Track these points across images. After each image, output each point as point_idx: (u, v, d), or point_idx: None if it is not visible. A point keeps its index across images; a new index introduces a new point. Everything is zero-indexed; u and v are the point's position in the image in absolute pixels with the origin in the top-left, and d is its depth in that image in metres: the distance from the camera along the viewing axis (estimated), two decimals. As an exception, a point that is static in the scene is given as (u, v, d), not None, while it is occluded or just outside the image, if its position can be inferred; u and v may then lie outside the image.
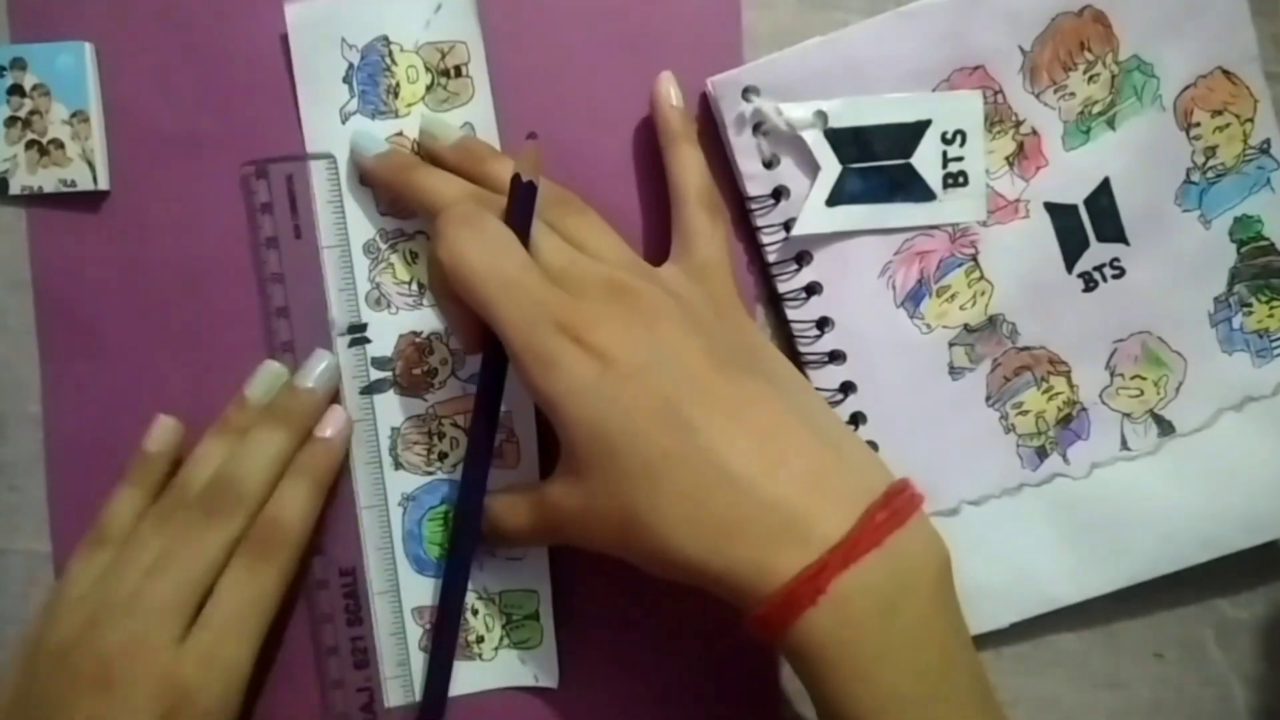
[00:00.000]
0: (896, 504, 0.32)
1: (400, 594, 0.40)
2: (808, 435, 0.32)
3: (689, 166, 0.39)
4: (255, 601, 0.36)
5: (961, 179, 0.40)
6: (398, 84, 0.40)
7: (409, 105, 0.40)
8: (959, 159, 0.40)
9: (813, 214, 0.40)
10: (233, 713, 0.35)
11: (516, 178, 0.35)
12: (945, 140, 0.40)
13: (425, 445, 0.40)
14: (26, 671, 0.36)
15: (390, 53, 0.40)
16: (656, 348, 0.32)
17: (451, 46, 0.40)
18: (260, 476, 0.37)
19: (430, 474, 0.40)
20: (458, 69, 0.40)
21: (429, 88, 0.40)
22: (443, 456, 0.40)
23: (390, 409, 0.40)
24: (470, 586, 0.39)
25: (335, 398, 0.40)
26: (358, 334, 0.40)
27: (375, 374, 0.40)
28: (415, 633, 0.40)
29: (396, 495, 0.40)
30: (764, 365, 0.36)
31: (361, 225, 0.40)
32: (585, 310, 0.33)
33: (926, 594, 0.31)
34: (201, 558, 0.35)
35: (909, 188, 0.40)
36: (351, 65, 0.40)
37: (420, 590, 0.40)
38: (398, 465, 0.40)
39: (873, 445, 0.41)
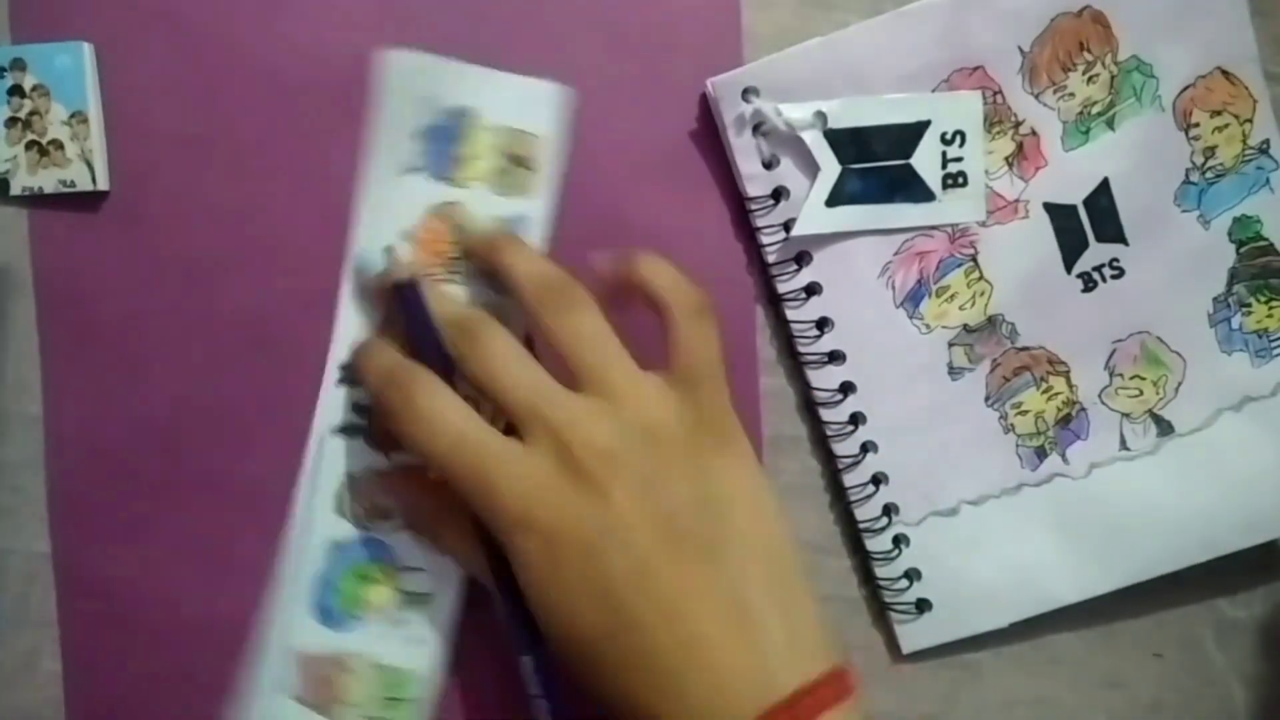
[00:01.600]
0: (847, 677, 0.33)
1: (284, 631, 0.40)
2: (735, 635, 0.33)
3: (658, 273, 0.36)
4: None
5: (961, 179, 0.40)
6: (466, 155, 0.40)
7: (471, 179, 0.40)
8: (958, 159, 0.40)
9: (812, 214, 0.40)
10: None
11: (397, 285, 0.36)
12: (945, 141, 0.40)
13: (371, 501, 0.40)
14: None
15: (471, 124, 0.39)
16: (606, 525, 0.32)
17: (531, 138, 0.40)
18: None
19: (366, 529, 0.40)
20: (528, 160, 0.40)
21: (496, 170, 0.40)
22: (385, 516, 0.40)
23: (354, 455, 0.40)
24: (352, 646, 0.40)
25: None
26: (347, 374, 0.40)
27: (353, 418, 0.40)
28: (286, 676, 0.39)
29: (326, 541, 0.40)
30: (733, 511, 0.34)
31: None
32: (537, 474, 0.33)
33: None
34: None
35: (908, 188, 0.40)
36: (431, 125, 0.39)
37: (314, 637, 0.40)
38: (340, 512, 0.40)
39: (872, 445, 0.41)
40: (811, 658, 0.33)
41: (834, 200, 0.40)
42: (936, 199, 0.40)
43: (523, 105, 0.40)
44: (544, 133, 0.40)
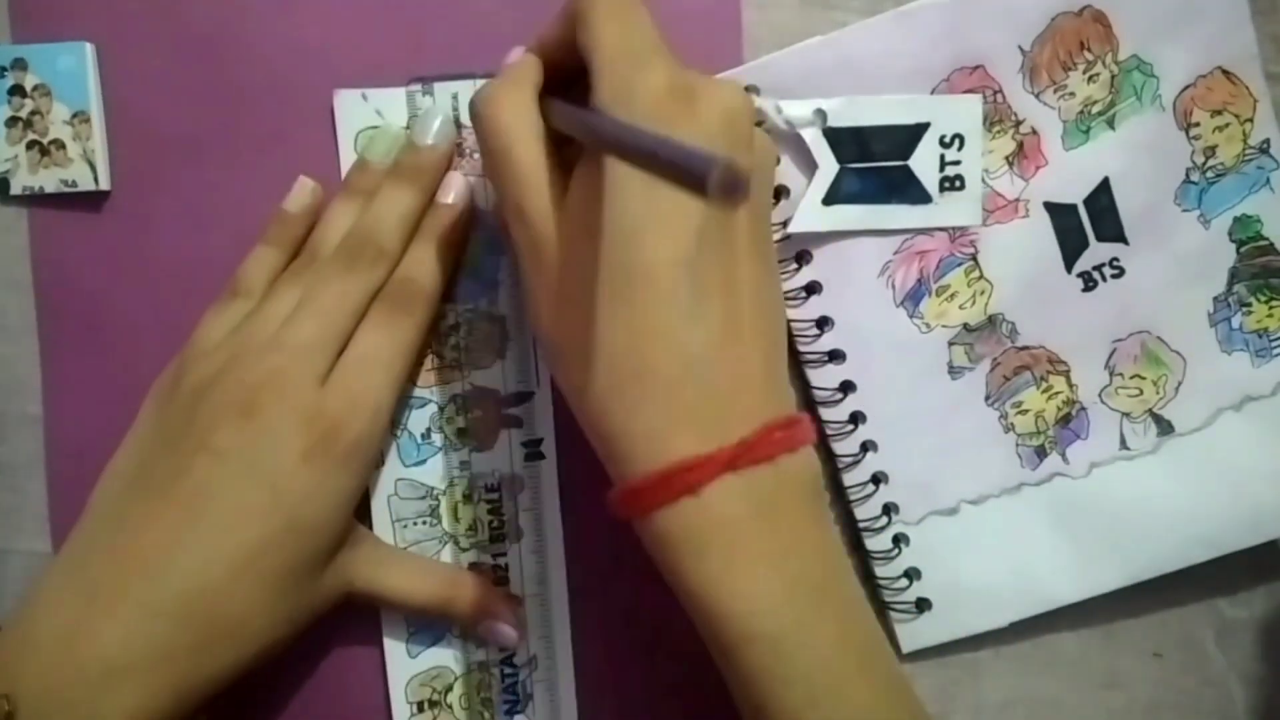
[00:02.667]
0: (795, 429, 0.32)
1: None
2: (759, 342, 0.32)
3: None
4: (395, 349, 0.37)
5: (958, 183, 0.40)
6: None
7: None
8: (956, 163, 0.40)
9: (809, 212, 0.40)
10: (374, 452, 0.37)
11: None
12: (943, 144, 0.40)
13: None
14: (160, 413, 0.37)
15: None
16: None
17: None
18: (397, 231, 0.38)
19: None
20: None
21: None
22: None
23: None
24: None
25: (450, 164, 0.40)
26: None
27: None
28: None
29: None
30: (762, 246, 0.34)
31: None
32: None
33: (806, 511, 0.32)
34: (344, 301, 0.36)
35: (905, 189, 0.40)
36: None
37: None
38: None
39: (872, 444, 0.41)
40: (791, 396, 0.34)
41: (831, 199, 0.40)
42: (933, 201, 0.40)
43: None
44: None
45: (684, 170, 0.23)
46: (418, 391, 0.40)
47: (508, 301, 0.40)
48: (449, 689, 0.40)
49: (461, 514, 0.40)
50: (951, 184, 0.40)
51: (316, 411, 0.34)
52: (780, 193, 0.40)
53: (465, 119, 0.40)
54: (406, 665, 0.40)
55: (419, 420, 0.40)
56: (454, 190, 0.39)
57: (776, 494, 0.30)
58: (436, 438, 0.40)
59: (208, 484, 0.33)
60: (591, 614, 0.41)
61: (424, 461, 0.40)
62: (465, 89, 0.40)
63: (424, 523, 0.40)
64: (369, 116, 0.40)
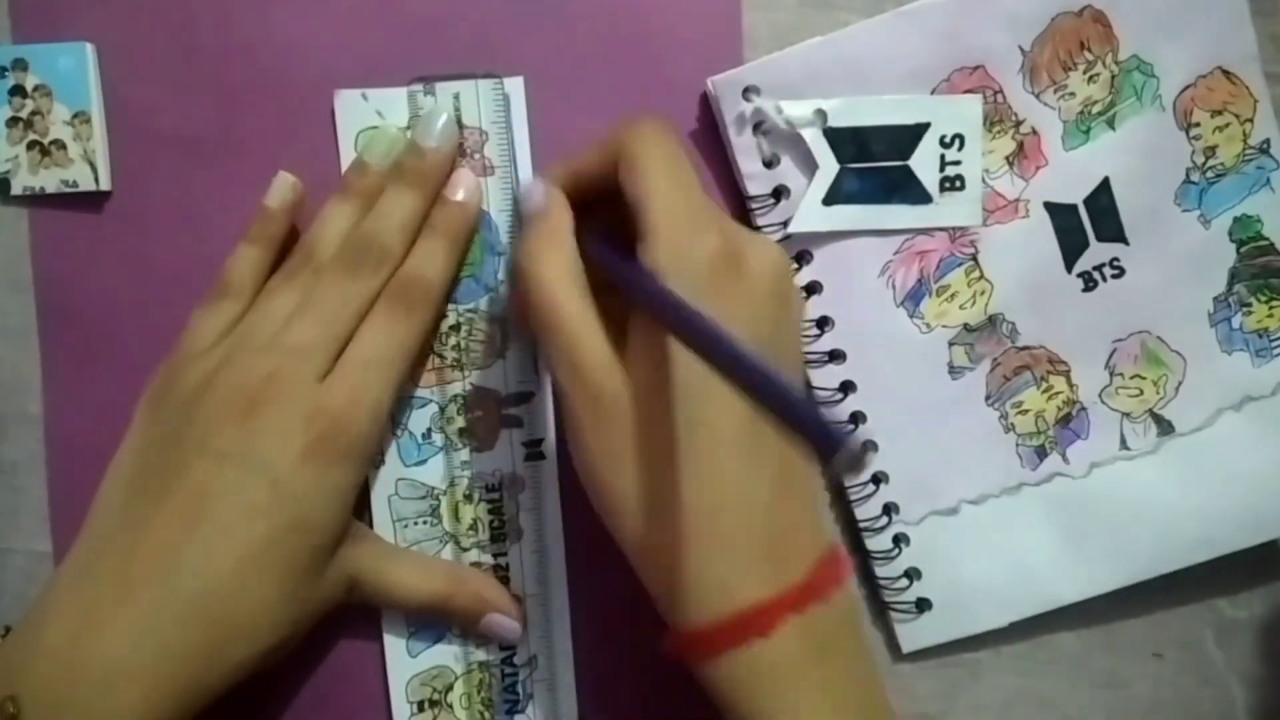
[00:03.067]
0: (840, 563, 0.33)
1: None
2: (806, 480, 0.33)
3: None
4: (398, 348, 0.37)
5: (958, 183, 0.40)
6: None
7: None
8: (956, 163, 0.40)
9: (809, 213, 0.40)
10: (374, 449, 0.37)
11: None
12: (944, 144, 0.40)
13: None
14: (156, 416, 0.37)
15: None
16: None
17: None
18: (400, 234, 0.37)
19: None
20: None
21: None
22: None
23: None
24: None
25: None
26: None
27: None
28: None
29: None
30: None
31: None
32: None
33: (855, 640, 0.33)
34: (346, 305, 0.36)
35: (906, 190, 0.40)
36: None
37: None
38: None
39: (873, 445, 0.41)
40: (825, 526, 0.35)
41: (831, 199, 0.40)
42: (933, 201, 0.40)
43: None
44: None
45: (809, 435, 0.24)
46: (419, 391, 0.40)
47: (508, 303, 0.40)
48: (449, 688, 0.40)
49: (462, 514, 0.40)
50: (952, 184, 0.40)
51: (316, 410, 0.34)
52: (781, 193, 0.40)
53: (467, 119, 0.40)
54: (407, 664, 0.40)
55: (420, 420, 0.40)
56: (464, 188, 0.39)
57: (834, 628, 0.32)
58: (437, 438, 0.40)
59: (209, 485, 0.33)
60: (591, 614, 0.41)
61: (425, 461, 0.40)
62: (467, 89, 0.40)
63: (425, 522, 0.40)
64: (369, 117, 0.40)
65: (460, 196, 0.39)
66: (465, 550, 0.40)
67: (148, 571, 0.33)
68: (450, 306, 0.40)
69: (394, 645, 0.40)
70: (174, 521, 0.33)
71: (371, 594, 0.38)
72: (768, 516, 0.31)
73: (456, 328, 0.40)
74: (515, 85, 0.40)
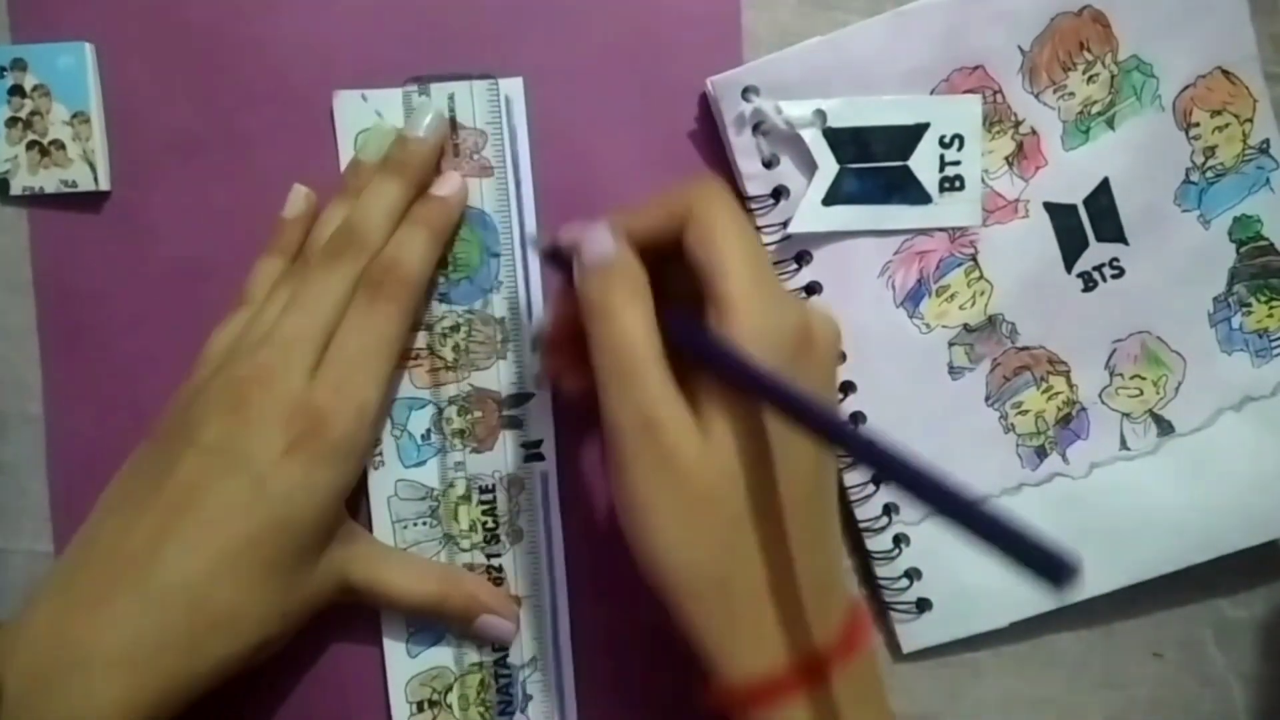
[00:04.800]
0: (865, 618, 0.35)
1: None
2: (836, 539, 0.35)
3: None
4: (379, 338, 0.37)
5: (958, 183, 0.40)
6: None
7: None
8: (956, 163, 0.40)
9: (809, 213, 0.40)
10: (362, 447, 0.36)
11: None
12: (943, 144, 0.40)
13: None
14: (163, 417, 0.37)
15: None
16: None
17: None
18: (378, 222, 0.38)
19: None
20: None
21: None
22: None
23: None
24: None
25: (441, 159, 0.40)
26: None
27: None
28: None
29: None
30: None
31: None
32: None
33: (880, 687, 0.35)
34: (327, 295, 0.36)
35: (905, 190, 0.40)
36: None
37: None
38: None
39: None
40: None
41: (830, 199, 0.40)
42: (933, 202, 0.40)
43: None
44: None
45: (1027, 559, 0.24)
46: (417, 393, 0.40)
47: (506, 304, 0.40)
48: (449, 689, 0.40)
49: (460, 515, 0.40)
50: (951, 184, 0.40)
51: (301, 406, 0.34)
52: (781, 194, 0.40)
53: (465, 120, 0.40)
54: (406, 665, 0.40)
55: (419, 421, 0.40)
56: (449, 185, 0.39)
57: (866, 678, 0.34)
58: (436, 439, 0.40)
59: (194, 480, 0.34)
60: (590, 615, 0.41)
61: (423, 463, 0.40)
62: (461, 89, 0.40)
63: (423, 524, 0.40)
64: (368, 117, 0.40)
65: (443, 192, 0.39)
66: (464, 551, 0.40)
67: (130, 563, 0.33)
68: (448, 308, 0.40)
69: (393, 646, 0.40)
70: (159, 515, 0.34)
71: (364, 595, 0.38)
72: (818, 577, 0.33)
73: (455, 329, 0.40)
74: (514, 86, 0.40)
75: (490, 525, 0.40)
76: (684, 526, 0.32)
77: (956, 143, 0.40)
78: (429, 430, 0.40)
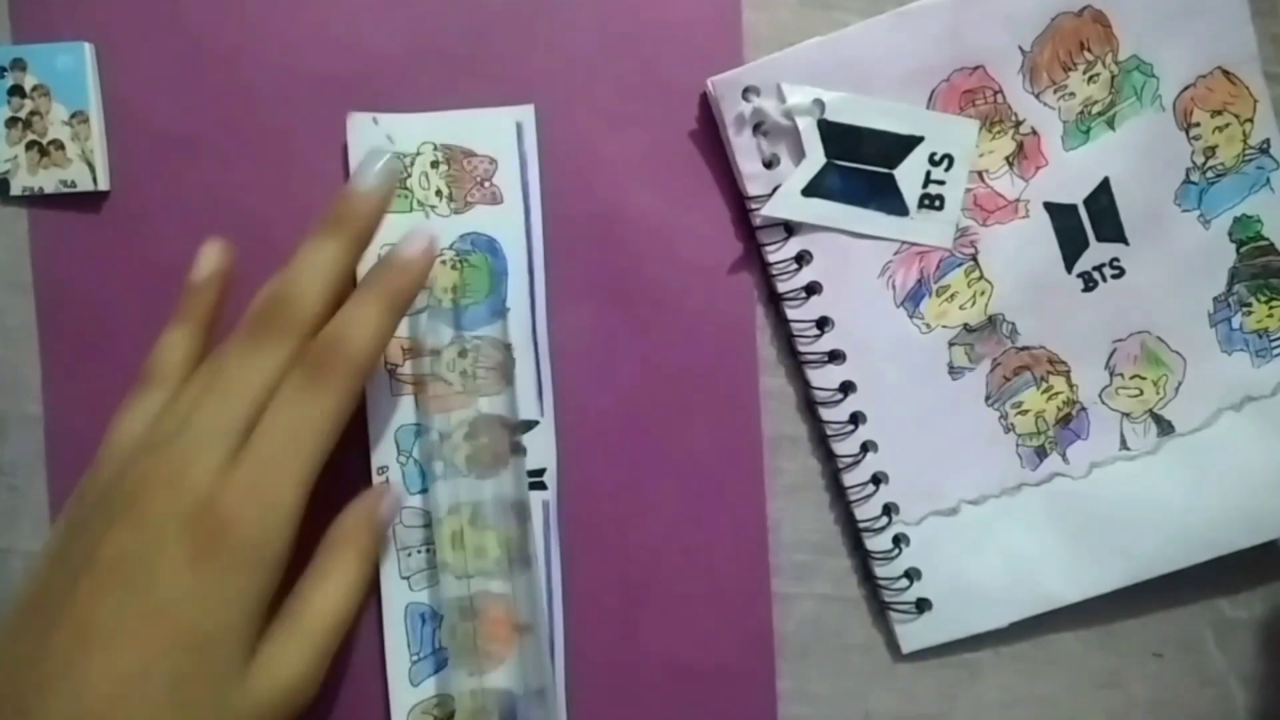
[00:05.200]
0: None
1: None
2: None
3: None
4: (310, 429, 0.32)
5: (937, 203, 0.40)
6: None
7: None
8: (941, 183, 0.40)
9: (785, 199, 0.40)
10: (276, 552, 0.32)
11: None
12: (933, 161, 0.40)
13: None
14: (67, 519, 0.33)
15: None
16: None
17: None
18: (315, 290, 0.33)
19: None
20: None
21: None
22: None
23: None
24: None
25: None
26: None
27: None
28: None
29: None
30: None
31: None
32: None
33: None
34: (250, 380, 0.32)
35: (885, 198, 0.40)
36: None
37: None
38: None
39: (872, 445, 0.41)
40: None
41: (811, 191, 0.40)
42: (909, 215, 0.40)
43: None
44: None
45: None
46: (422, 419, 0.40)
47: (515, 329, 0.40)
48: (450, 717, 0.40)
49: (466, 542, 0.39)
50: (931, 202, 0.40)
51: (206, 509, 0.31)
52: (772, 162, 0.40)
53: (477, 146, 0.40)
54: (409, 693, 0.40)
55: (424, 448, 0.40)
56: (415, 245, 0.35)
57: None
58: (439, 465, 0.39)
59: (93, 602, 0.30)
60: (590, 642, 0.41)
61: (427, 489, 0.40)
62: (476, 115, 0.40)
63: (428, 550, 0.40)
64: (380, 141, 0.40)
65: (409, 255, 0.35)
66: (467, 578, 0.39)
67: (38, 691, 0.30)
68: (457, 333, 0.39)
69: (396, 673, 0.40)
70: (59, 644, 0.30)
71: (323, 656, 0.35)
72: None
73: (463, 354, 0.40)
74: (526, 114, 0.40)
75: (494, 553, 0.40)
76: None
77: (946, 162, 0.40)
78: (432, 456, 0.39)
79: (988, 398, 0.41)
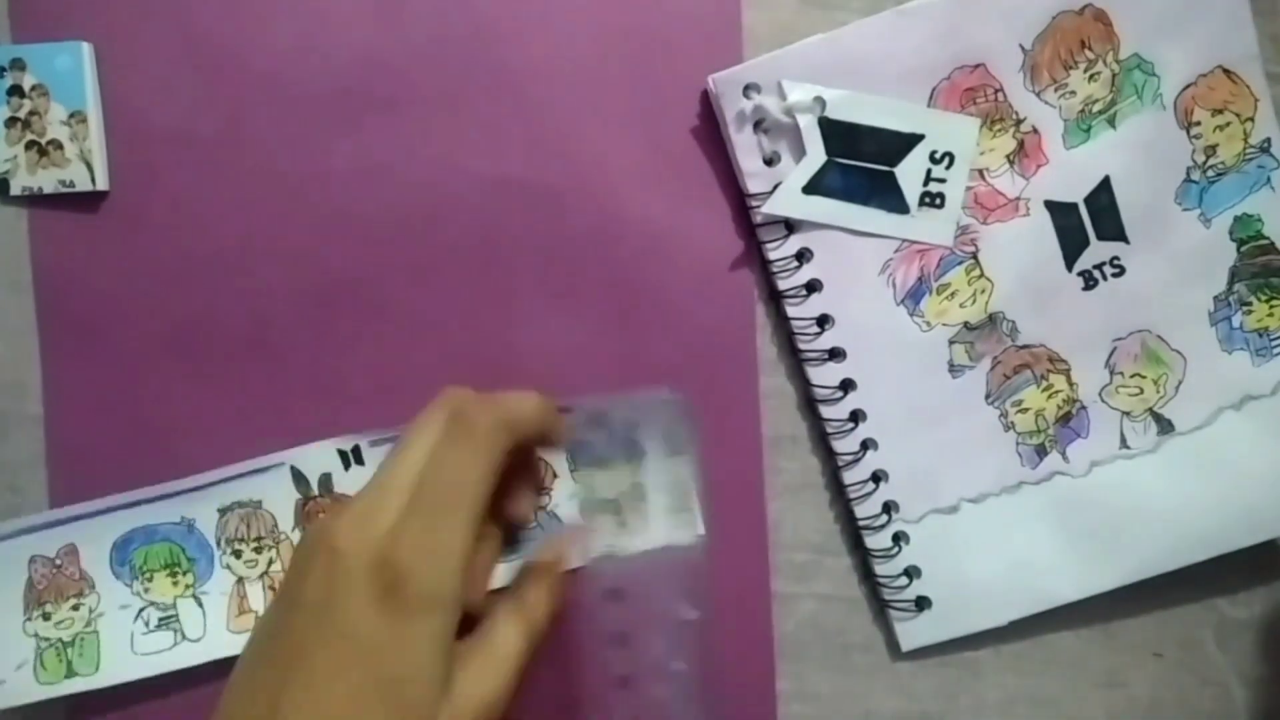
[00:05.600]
0: None
1: None
2: None
3: None
4: (471, 477, 0.35)
5: (938, 200, 0.40)
6: None
7: None
8: (941, 180, 0.40)
9: (786, 197, 0.40)
10: (453, 592, 0.34)
11: None
12: (933, 159, 0.40)
13: None
14: (295, 552, 0.36)
15: None
16: None
17: None
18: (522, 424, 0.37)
19: None
20: None
21: None
22: None
23: None
24: None
25: None
26: None
27: None
28: None
29: None
30: None
31: None
32: None
33: None
34: (423, 436, 0.35)
35: (885, 196, 0.40)
36: None
37: None
38: None
39: (872, 442, 0.41)
40: None
41: (811, 188, 0.40)
42: (909, 213, 0.40)
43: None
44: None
45: None
46: None
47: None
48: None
49: None
50: (931, 200, 0.40)
51: (382, 560, 0.33)
52: (773, 159, 0.40)
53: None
54: None
55: None
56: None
57: None
58: None
59: (298, 640, 0.33)
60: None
61: None
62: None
63: None
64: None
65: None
66: None
67: None
68: None
69: None
70: (268, 684, 0.32)
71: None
72: None
73: None
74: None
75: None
76: None
77: (946, 160, 0.40)
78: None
79: (988, 396, 0.41)
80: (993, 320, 0.41)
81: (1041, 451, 0.42)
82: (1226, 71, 0.40)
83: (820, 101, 0.39)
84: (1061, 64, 0.40)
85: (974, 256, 0.41)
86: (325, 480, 0.40)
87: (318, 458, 0.40)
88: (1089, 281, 0.41)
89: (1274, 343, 0.41)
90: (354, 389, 0.41)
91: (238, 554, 0.40)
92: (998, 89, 0.40)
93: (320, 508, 0.40)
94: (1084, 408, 0.42)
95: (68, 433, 0.41)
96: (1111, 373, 0.42)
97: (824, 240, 0.40)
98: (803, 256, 0.40)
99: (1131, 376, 0.42)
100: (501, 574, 0.40)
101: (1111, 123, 0.40)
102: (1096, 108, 0.40)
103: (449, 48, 0.40)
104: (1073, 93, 0.40)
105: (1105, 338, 0.41)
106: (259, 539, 0.40)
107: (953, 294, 0.41)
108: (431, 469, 0.35)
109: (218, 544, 0.40)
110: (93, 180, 0.39)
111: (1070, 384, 0.42)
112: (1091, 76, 0.40)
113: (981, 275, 0.41)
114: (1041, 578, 0.42)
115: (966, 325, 0.41)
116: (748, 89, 0.39)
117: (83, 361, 0.40)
